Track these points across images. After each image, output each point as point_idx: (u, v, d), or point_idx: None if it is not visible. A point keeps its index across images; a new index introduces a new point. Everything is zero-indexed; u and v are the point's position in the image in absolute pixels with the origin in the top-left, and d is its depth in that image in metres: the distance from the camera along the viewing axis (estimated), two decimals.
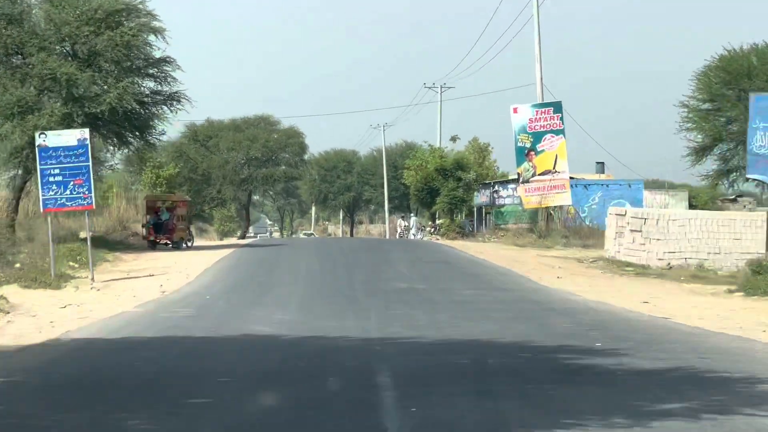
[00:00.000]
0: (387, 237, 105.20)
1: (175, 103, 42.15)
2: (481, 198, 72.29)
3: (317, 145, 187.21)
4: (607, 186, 66.35)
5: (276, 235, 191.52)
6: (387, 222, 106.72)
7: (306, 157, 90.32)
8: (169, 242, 45.60)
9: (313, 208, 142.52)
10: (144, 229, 46.39)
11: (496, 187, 69.88)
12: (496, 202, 70.17)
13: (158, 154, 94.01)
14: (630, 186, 66.40)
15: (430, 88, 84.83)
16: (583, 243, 48.17)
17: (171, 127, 45.91)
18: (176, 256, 39.84)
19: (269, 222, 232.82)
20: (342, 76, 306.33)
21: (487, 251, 43.90)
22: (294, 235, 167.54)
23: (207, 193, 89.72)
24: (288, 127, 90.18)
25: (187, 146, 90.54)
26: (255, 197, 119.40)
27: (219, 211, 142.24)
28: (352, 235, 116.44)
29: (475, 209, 72.78)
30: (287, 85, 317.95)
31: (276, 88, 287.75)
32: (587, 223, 59.89)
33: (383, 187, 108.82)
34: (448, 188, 67.39)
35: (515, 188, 69.76)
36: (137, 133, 42.40)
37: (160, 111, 42.17)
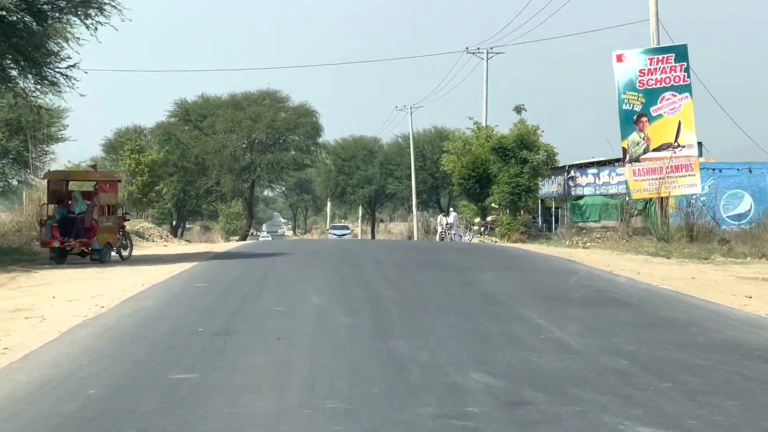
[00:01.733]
0: (415, 238, 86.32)
1: (93, 11, 23.30)
2: (549, 187, 53.41)
3: (333, 130, 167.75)
4: (720, 171, 47.41)
5: (289, 234, 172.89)
6: (415, 220, 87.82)
7: (320, 140, 71.56)
8: (85, 250, 26.50)
9: (329, 204, 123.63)
10: (43, 230, 27.04)
11: (572, 173, 50.91)
12: (571, 192, 51.29)
13: (138, 135, 76.06)
14: (751, 171, 47.42)
15: (473, 53, 66.06)
16: (759, 252, 29.23)
17: (82, 49, 26.33)
18: (84, 280, 21.12)
19: (283, 220, 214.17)
20: (361, 50, 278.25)
21: (614, 264, 25.17)
22: (306, 235, 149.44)
23: (201, 183, 70.87)
24: (298, 105, 71.37)
25: (176, 127, 71.74)
26: (263, 191, 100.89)
27: (224, 207, 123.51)
28: (373, 235, 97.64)
29: (539, 202, 53.97)
30: (298, 60, 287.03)
31: (286, 65, 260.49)
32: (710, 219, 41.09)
33: (410, 179, 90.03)
34: (510, 173, 48.57)
35: (597, 175, 50.85)
36: (24, 62, 23.35)
37: (65, 25, 23.29)
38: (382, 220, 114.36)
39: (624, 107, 37.51)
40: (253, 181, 70.30)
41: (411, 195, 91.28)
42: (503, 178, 48.94)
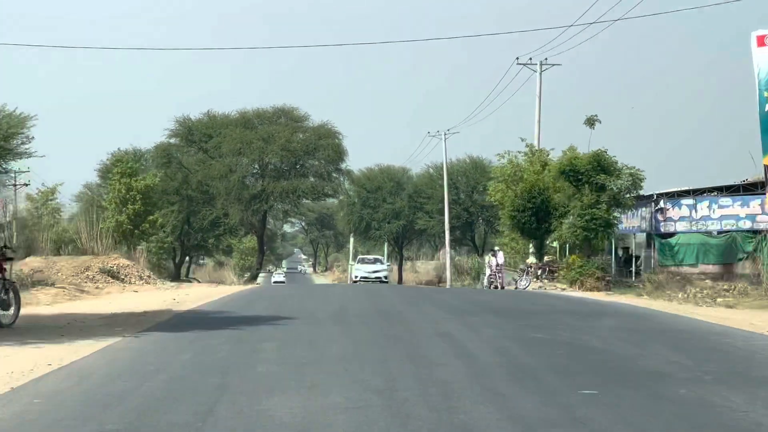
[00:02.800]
0: (448, 281, 74.90)
1: None
2: (630, 221, 42.03)
3: (357, 159, 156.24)
4: None
5: (309, 270, 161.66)
6: (448, 260, 76.40)
7: (344, 166, 60.45)
8: None
9: (351, 240, 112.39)
10: None
11: (662, 203, 39.46)
12: (660, 228, 39.84)
13: (136, 157, 65.01)
14: None
15: (524, 65, 54.89)
16: None
17: None
18: None
19: (303, 257, 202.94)
20: (386, 68, 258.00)
21: None
22: (327, 273, 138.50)
23: (206, 214, 59.82)
24: (319, 124, 60.26)
25: (177, 148, 60.82)
26: (280, 226, 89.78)
27: (237, 242, 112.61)
28: (401, 278, 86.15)
29: (613, 240, 42.45)
30: (319, 82, 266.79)
31: (304, 86, 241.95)
32: None
33: (441, 214, 78.74)
34: (583, 203, 37.26)
35: (693, 207, 39.50)
36: None
37: None
38: (409, 259, 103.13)
39: None
40: (265, 212, 59.16)
41: (442, 231, 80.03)
42: (575, 209, 37.59)
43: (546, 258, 46.40)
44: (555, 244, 52.01)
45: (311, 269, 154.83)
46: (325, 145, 57.97)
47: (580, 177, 37.45)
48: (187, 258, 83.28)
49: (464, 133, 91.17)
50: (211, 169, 57.47)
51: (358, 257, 54.41)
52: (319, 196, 59.35)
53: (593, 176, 36.97)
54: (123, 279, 35.94)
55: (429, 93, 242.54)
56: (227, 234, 69.07)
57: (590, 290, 35.65)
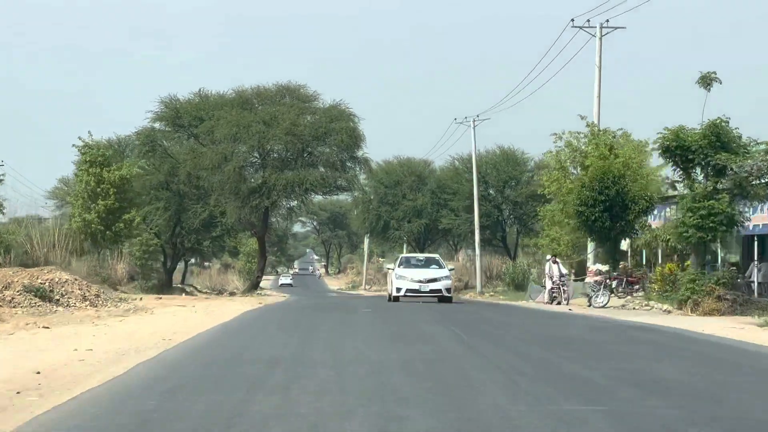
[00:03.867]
0: (478, 286, 64.05)
1: None
2: (760, 217, 30.91)
3: (373, 151, 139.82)
4: None
5: (319, 269, 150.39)
6: (478, 264, 65.37)
7: (360, 154, 49.34)
8: None
9: (366, 241, 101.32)
10: None
11: None
12: None
13: (115, 147, 53.96)
14: None
15: (581, 28, 43.83)
16: None
17: None
18: None
19: (316, 257, 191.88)
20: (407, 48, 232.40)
21: None
22: (340, 275, 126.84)
23: (198, 211, 49.04)
24: (330, 105, 49.25)
25: (163, 134, 50.03)
26: (289, 226, 78.91)
27: (238, 242, 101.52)
28: None
29: (719, 242, 31.34)
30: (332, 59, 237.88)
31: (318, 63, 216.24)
32: None
33: (468, 212, 67.79)
34: (695, 193, 26.30)
35: None
36: None
37: None
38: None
39: None
40: (267, 209, 48.20)
41: (469, 231, 69.11)
42: (683, 200, 26.55)
43: (622, 264, 35.45)
44: (624, 246, 41.09)
45: (323, 270, 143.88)
46: (338, 129, 46.97)
47: (691, 157, 26.38)
48: (184, 262, 72.44)
49: (495, 121, 79.86)
50: (203, 158, 46.58)
51: (401, 257, 39.75)
52: (330, 190, 48.25)
53: (710, 155, 25.92)
54: (58, 300, 25.09)
55: (456, 74, 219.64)
56: (225, 235, 58.15)
57: (708, 314, 24.70)
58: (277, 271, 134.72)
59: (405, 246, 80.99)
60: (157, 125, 49.45)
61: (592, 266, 38.85)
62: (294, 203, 49.33)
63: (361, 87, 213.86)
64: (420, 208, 70.83)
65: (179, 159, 48.29)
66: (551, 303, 32.43)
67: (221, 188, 46.62)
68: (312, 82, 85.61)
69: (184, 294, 48.60)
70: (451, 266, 40.99)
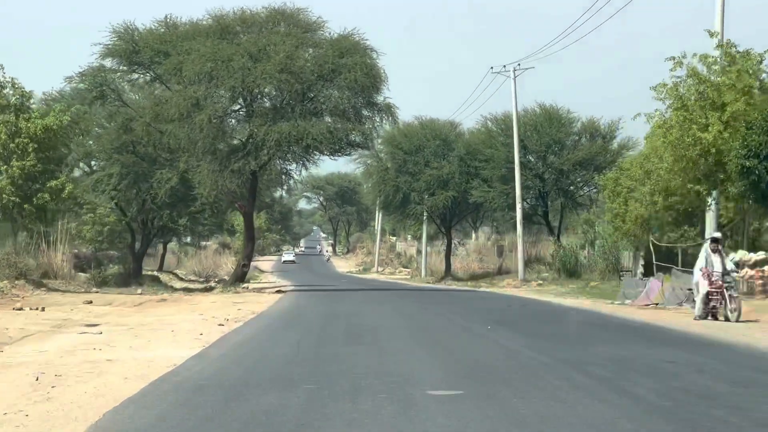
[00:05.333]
0: (520, 273, 50.79)
1: None
2: None
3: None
4: None
5: (329, 249, 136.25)
6: (520, 247, 51.58)
7: (381, 99, 35.35)
8: None
9: (378, 216, 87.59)
10: None
11: None
12: None
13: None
14: None
15: None
16: None
17: None
18: None
19: (323, 235, 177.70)
20: None
21: None
22: (349, 255, 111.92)
23: (161, 178, 35.33)
24: (341, 35, 35.33)
25: (115, 74, 36.19)
26: (292, 199, 65.19)
27: (239, 220, 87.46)
28: (448, 267, 61.40)
29: None
30: None
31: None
32: None
33: (505, 182, 54.19)
34: None
35: None
36: None
37: None
38: (461, 243, 78.06)
39: None
40: (254, 173, 34.43)
41: (506, 205, 55.41)
42: None
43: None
44: None
45: (330, 249, 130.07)
46: (350, 66, 33.18)
47: None
48: (163, 245, 58.75)
49: (536, 73, 64.41)
50: (167, 105, 32.86)
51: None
52: (340, 147, 34.17)
53: None
54: None
55: (488, 20, 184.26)
56: (208, 211, 44.44)
57: None
58: (281, 250, 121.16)
59: (424, 224, 67.37)
60: (108, 63, 35.62)
61: (735, 256, 24.91)
62: (292, 166, 35.51)
63: (373, 25, 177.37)
64: (446, 178, 57.05)
65: (136, 108, 34.54)
66: (705, 317, 18.93)
67: (191, 146, 32.89)
68: (316, 6, 67.84)
69: (141, 290, 34.91)
70: None
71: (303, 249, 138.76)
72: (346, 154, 34.74)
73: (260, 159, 33.10)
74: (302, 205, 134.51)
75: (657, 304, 26.40)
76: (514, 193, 53.47)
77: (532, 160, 55.81)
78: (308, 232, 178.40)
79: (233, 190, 34.60)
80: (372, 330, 16.09)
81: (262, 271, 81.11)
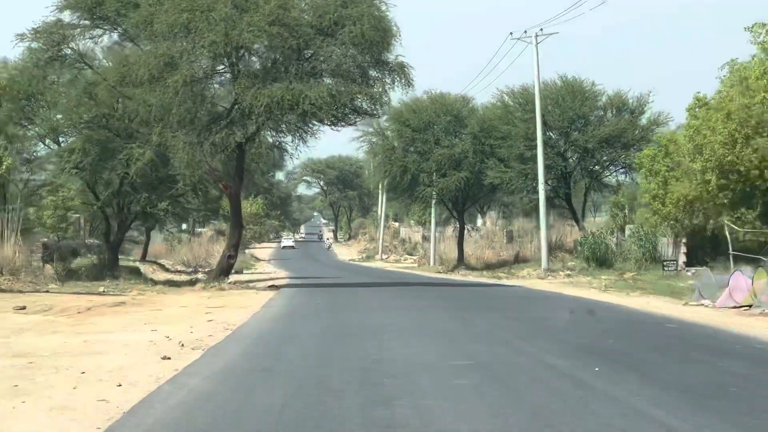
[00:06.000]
0: (544, 262, 44.99)
1: None
2: None
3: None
4: None
5: (330, 236, 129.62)
6: (543, 229, 45.43)
7: (393, 57, 29.07)
8: None
9: (382, 199, 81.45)
10: None
11: None
12: None
13: None
14: None
15: None
16: None
17: None
18: None
19: (324, 221, 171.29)
20: None
21: None
22: (351, 242, 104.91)
23: (130, 154, 29.12)
24: None
25: (74, 30, 29.97)
26: (264, 168, 59.13)
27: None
28: (461, 254, 55.32)
29: None
30: None
31: None
32: None
33: (524, 161, 48.28)
34: None
35: None
36: None
37: None
38: (474, 228, 71.73)
39: None
40: (240, 146, 28.30)
41: (526, 187, 49.30)
42: None
43: None
44: None
45: (331, 236, 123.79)
46: (356, 17, 27.07)
47: None
48: (146, 231, 52.65)
49: (558, 42, 56.78)
50: (135, 65, 26.74)
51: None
52: (344, 115, 27.85)
53: None
54: None
55: None
56: (191, 194, 38.33)
57: None
58: (280, 237, 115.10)
59: (434, 208, 61.27)
60: (66, 17, 29.41)
61: None
62: (286, 139, 29.31)
63: None
64: (458, 158, 50.99)
65: (99, 68, 28.42)
66: None
67: (164, 114, 26.76)
68: None
69: (104, 287, 28.81)
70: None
71: (303, 235, 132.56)
72: (350, 123, 28.48)
73: (247, 129, 27.01)
74: (302, 190, 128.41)
75: (749, 306, 20.38)
76: (534, 173, 47.60)
77: (554, 137, 49.80)
78: (308, 218, 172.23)
79: (216, 168, 28.49)
80: (404, 375, 10.00)
81: (259, 260, 74.97)
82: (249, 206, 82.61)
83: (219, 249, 69.64)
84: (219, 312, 18.21)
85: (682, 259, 39.20)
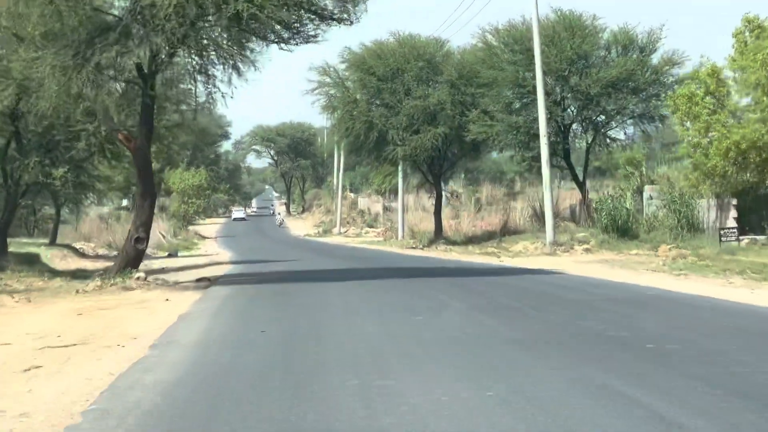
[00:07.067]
0: (549, 236, 35.73)
1: None
2: None
3: (359, 30, 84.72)
4: None
5: (281, 211, 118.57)
6: (548, 198, 35.74)
7: None
8: None
9: (340, 161, 71.50)
10: None
11: None
12: None
13: None
14: None
15: None
16: None
17: None
18: None
19: (275, 194, 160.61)
20: None
21: None
22: (305, 215, 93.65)
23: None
24: None
25: None
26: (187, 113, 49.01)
27: (175, 175, 70.26)
28: (439, 228, 45.43)
29: None
30: None
31: None
32: None
33: (514, 112, 39.07)
34: None
35: None
36: None
37: None
38: (455, 194, 61.44)
39: None
40: (143, 74, 18.34)
41: (518, 143, 39.84)
42: None
43: None
44: None
45: (283, 210, 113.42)
46: None
47: None
48: (56, 208, 42.31)
49: None
50: None
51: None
52: (300, 21, 18.04)
53: None
54: None
55: None
56: (97, 156, 28.23)
57: None
58: (229, 211, 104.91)
59: (400, 170, 51.61)
60: None
61: None
62: (215, 65, 19.28)
63: None
64: (434, 110, 41.55)
65: None
66: None
67: (19, 26, 16.74)
68: None
69: None
70: None
71: (255, 210, 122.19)
72: (309, 38, 18.37)
73: (152, 45, 17.11)
74: (252, 160, 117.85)
75: None
76: (526, 126, 38.62)
77: (550, 82, 40.20)
78: (260, 191, 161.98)
79: (105, 106, 18.59)
80: None
81: (204, 237, 64.92)
82: (191, 177, 72.40)
83: (159, 228, 59.28)
84: (66, 359, 8.48)
85: (733, 224, 30.21)
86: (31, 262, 30.50)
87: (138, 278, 19.20)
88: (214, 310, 13.64)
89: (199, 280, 21.47)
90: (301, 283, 19.09)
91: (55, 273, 27.73)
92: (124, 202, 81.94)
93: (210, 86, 18.95)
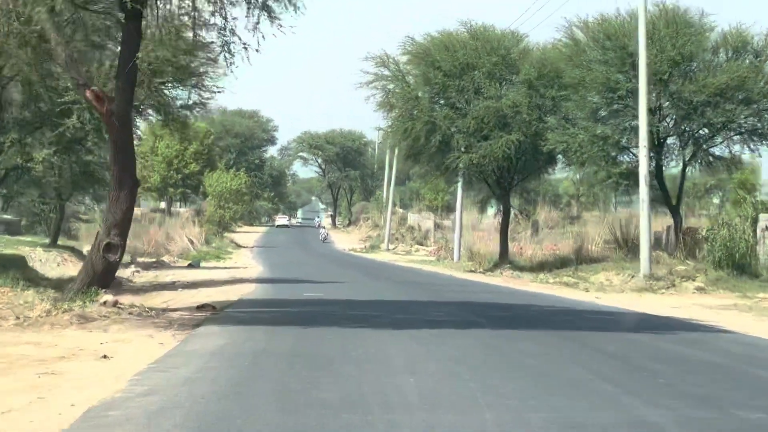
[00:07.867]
0: (646, 263, 28.76)
1: None
2: None
3: (416, 18, 69.21)
4: None
5: (326, 224, 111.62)
6: (645, 222, 29.04)
7: None
8: None
9: (390, 169, 65.09)
10: None
11: None
12: None
13: None
14: None
15: None
16: None
17: None
18: None
19: (322, 206, 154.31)
20: None
21: None
22: (350, 228, 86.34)
23: None
24: None
25: None
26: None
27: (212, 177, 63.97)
28: (504, 254, 38.82)
29: None
30: None
31: None
32: None
33: (604, 119, 32.48)
34: None
35: None
36: None
37: None
38: (525, 213, 54.19)
39: None
40: (123, 5, 12.13)
41: (602, 157, 33.22)
42: None
43: None
44: None
45: (328, 222, 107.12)
46: None
47: None
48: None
49: None
50: None
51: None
52: None
53: None
54: None
55: None
56: (95, 136, 22.06)
57: None
58: (272, 220, 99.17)
59: (459, 185, 45.08)
60: None
61: None
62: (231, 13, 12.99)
63: None
64: (507, 114, 35.16)
65: None
66: None
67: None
68: None
69: None
70: None
71: (300, 220, 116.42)
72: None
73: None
74: (297, 168, 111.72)
75: None
76: (614, 137, 32.28)
77: (655, 83, 33.50)
78: (306, 202, 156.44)
79: (69, 52, 12.37)
80: None
81: (239, 246, 58.83)
82: (230, 180, 66.36)
83: (190, 234, 53.22)
84: None
85: None
86: (12, 266, 24.46)
87: (105, 303, 12.92)
88: (158, 404, 7.09)
89: (200, 307, 15.22)
90: (341, 327, 12.60)
91: (36, 282, 21.86)
92: (162, 204, 76.37)
93: (226, 33, 12.70)
